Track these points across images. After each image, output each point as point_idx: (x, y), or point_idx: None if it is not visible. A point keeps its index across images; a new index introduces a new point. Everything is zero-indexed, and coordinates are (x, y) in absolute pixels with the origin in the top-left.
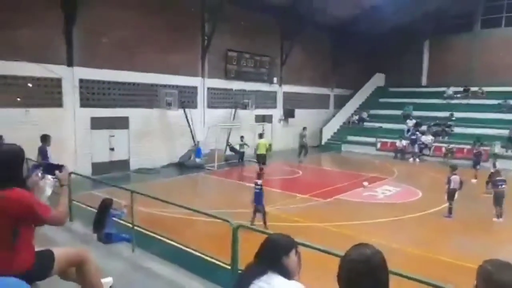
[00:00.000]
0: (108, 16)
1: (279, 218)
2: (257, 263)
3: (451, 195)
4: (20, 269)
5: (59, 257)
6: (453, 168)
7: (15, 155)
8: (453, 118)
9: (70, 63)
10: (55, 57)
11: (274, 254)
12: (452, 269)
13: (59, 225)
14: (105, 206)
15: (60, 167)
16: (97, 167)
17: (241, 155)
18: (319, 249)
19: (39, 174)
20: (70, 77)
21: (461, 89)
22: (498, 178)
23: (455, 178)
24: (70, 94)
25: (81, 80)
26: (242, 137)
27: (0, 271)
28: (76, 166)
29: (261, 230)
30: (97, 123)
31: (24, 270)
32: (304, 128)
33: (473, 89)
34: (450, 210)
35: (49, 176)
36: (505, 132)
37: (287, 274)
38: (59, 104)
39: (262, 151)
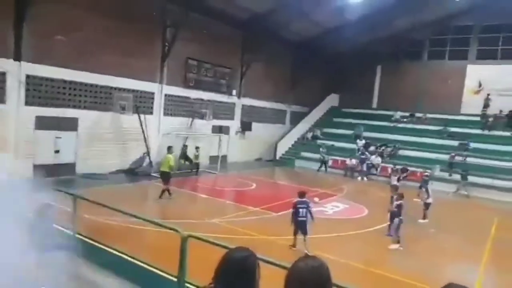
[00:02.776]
0: (65, 14)
1: (229, 231)
2: (220, 284)
3: (392, 216)
4: None
5: None
6: (395, 189)
7: None
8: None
9: (17, 58)
10: (1, 50)
11: (244, 276)
12: (394, 285)
13: None
14: (44, 212)
15: None
16: (40, 170)
17: (196, 165)
18: (269, 262)
19: None
20: (17, 72)
21: (407, 114)
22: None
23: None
24: (15, 90)
25: (28, 76)
26: (197, 147)
27: None
28: (15, 168)
29: (212, 241)
30: (42, 123)
31: None
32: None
33: (418, 114)
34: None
35: None
36: (445, 157)
37: None
38: (1, 100)
39: (165, 168)
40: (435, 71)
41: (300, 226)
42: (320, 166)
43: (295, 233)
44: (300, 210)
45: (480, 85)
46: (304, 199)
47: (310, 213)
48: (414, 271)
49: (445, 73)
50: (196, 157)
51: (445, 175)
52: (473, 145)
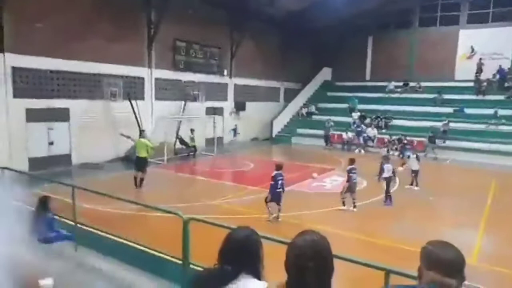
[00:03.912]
0: (45, 2)
1: (229, 211)
2: (226, 265)
3: (387, 183)
4: None
5: None
6: (385, 158)
7: None
8: (385, 116)
9: (0, 49)
10: None
11: (248, 255)
12: (395, 253)
13: None
14: (41, 205)
15: None
16: (35, 163)
17: (193, 148)
18: (269, 238)
19: None
20: (1, 64)
21: (401, 84)
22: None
23: (388, 167)
24: (2, 83)
25: (14, 68)
26: (192, 130)
27: None
28: (11, 162)
29: (214, 223)
30: (33, 115)
31: None
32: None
33: (411, 84)
34: (388, 198)
35: None
36: (439, 124)
37: (260, 275)
38: None
39: (142, 153)
40: (427, 38)
41: (277, 197)
42: (327, 142)
43: (276, 202)
44: (279, 182)
45: (472, 50)
46: (280, 172)
47: (283, 185)
48: (414, 238)
49: (437, 39)
50: (192, 140)
51: (440, 142)
52: (467, 110)
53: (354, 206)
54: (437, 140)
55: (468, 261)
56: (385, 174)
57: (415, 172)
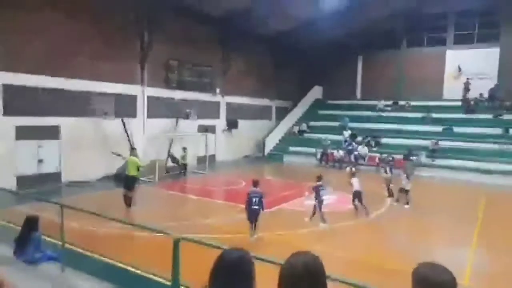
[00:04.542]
0: (36, 18)
1: (220, 230)
2: (218, 286)
3: (356, 196)
4: None
5: None
6: (352, 174)
7: None
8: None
9: None
10: None
11: (241, 276)
12: (385, 272)
13: None
14: (29, 224)
15: None
16: (23, 181)
17: (183, 166)
18: (261, 259)
19: None
20: None
21: (390, 102)
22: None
23: (355, 180)
24: None
25: (4, 86)
26: (184, 148)
27: None
28: None
29: (205, 242)
30: (23, 133)
31: None
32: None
33: (401, 102)
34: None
35: None
36: (427, 143)
37: None
38: None
39: (132, 172)
40: (415, 58)
41: (252, 215)
42: (322, 158)
43: (250, 221)
44: (253, 199)
45: (459, 69)
46: (257, 189)
47: (262, 203)
48: (405, 256)
49: (425, 59)
50: (184, 158)
51: (432, 161)
52: (456, 129)
53: (324, 222)
54: (414, 158)
55: (460, 281)
56: (355, 188)
57: (406, 192)
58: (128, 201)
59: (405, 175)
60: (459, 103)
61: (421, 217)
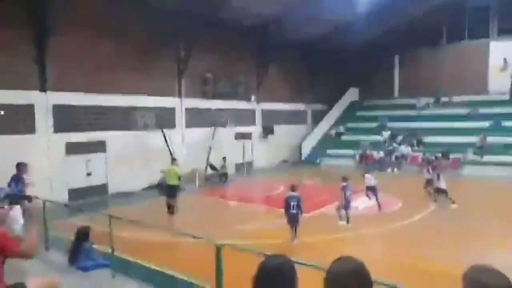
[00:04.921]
0: (81, 42)
1: (261, 236)
2: None
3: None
4: None
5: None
6: (345, 179)
7: None
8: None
9: (43, 88)
10: (27, 83)
11: (284, 283)
12: (434, 277)
13: (28, 257)
14: (81, 235)
15: (28, 198)
16: (74, 193)
17: (224, 175)
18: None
19: (5, 206)
20: (44, 102)
21: (431, 100)
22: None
23: (368, 176)
24: (43, 119)
25: (54, 105)
26: (224, 158)
27: None
28: (52, 194)
29: (248, 249)
30: (72, 148)
31: None
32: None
33: (443, 99)
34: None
35: (18, 207)
36: (473, 139)
37: None
38: (32, 130)
39: (173, 181)
40: (456, 53)
41: (291, 219)
42: (361, 160)
43: (290, 226)
44: (291, 204)
45: (505, 62)
46: (294, 193)
47: (300, 207)
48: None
49: (466, 53)
50: (223, 167)
51: (477, 158)
52: (504, 123)
53: (348, 222)
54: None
55: None
56: (367, 183)
57: (442, 191)
58: (171, 209)
59: (436, 174)
60: (507, 97)
61: (470, 218)
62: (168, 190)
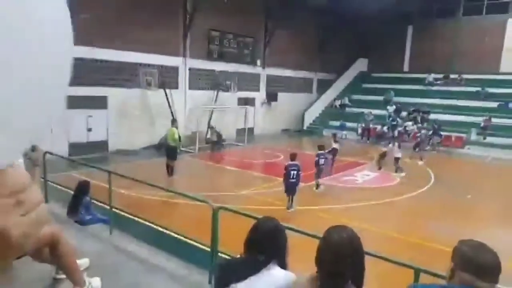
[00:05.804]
0: None
1: (259, 202)
2: (253, 254)
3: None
4: None
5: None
6: (320, 147)
7: None
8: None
9: None
10: None
11: (276, 245)
12: (425, 251)
13: None
14: (81, 188)
15: (33, 147)
16: (74, 148)
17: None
18: (300, 232)
19: None
20: None
21: (441, 76)
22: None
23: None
24: None
25: None
26: (212, 127)
27: None
28: (52, 146)
29: (243, 212)
30: (73, 102)
31: None
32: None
33: (452, 76)
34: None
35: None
36: (479, 119)
37: (286, 265)
38: None
39: (172, 142)
40: (471, 28)
41: (290, 188)
42: (363, 134)
43: (287, 194)
44: (291, 172)
45: None
46: (295, 162)
47: (299, 176)
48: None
49: (482, 29)
50: (212, 134)
51: (480, 138)
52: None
53: (317, 188)
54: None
55: (505, 264)
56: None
57: (397, 159)
58: (170, 170)
59: (396, 144)
60: None
61: (468, 197)
62: (167, 151)
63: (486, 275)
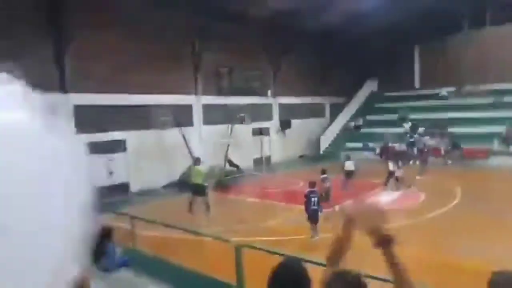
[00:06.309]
0: (98, 44)
1: (282, 233)
2: None
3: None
4: None
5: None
6: (323, 171)
7: None
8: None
9: (64, 89)
10: (47, 84)
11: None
12: (459, 272)
13: None
14: (105, 234)
15: None
16: (96, 192)
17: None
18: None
19: None
20: (65, 103)
21: (454, 89)
22: None
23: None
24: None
25: (75, 106)
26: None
27: None
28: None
29: (265, 249)
30: (94, 148)
31: None
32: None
33: (466, 88)
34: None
35: None
36: (498, 129)
37: None
38: None
39: (198, 180)
40: (478, 40)
41: (312, 215)
42: (382, 153)
43: (310, 222)
44: (312, 199)
45: None
46: (314, 189)
47: (319, 203)
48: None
49: (492, 40)
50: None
51: (505, 147)
52: None
53: (312, 236)
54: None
55: None
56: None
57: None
58: (205, 207)
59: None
60: None
61: (495, 211)
62: (195, 188)
63: None
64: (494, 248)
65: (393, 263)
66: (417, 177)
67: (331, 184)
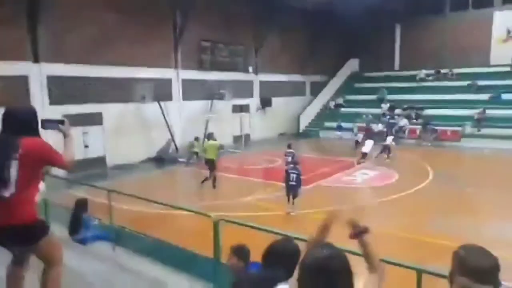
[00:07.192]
0: (75, 13)
1: (260, 208)
2: (271, 269)
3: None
4: (24, 218)
5: (51, 238)
6: (289, 146)
7: (33, 112)
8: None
9: (36, 59)
10: (20, 54)
11: (291, 263)
12: (429, 249)
13: (67, 169)
14: (79, 207)
15: (61, 121)
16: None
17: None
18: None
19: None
20: (37, 74)
21: (432, 71)
22: None
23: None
24: (38, 92)
25: (49, 77)
26: (196, 138)
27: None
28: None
29: (243, 223)
30: (69, 121)
31: (27, 220)
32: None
33: (443, 71)
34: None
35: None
36: (473, 112)
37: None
38: (27, 102)
39: (211, 155)
40: (459, 22)
41: (290, 190)
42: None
43: (288, 197)
44: (291, 175)
45: (509, 32)
46: (296, 166)
47: (299, 180)
48: (449, 232)
49: (470, 23)
50: (192, 146)
51: (475, 131)
52: (505, 96)
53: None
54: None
55: (510, 257)
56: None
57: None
58: (212, 182)
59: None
60: (508, 69)
61: (468, 190)
62: (207, 163)
63: (486, 279)
64: (460, 225)
65: (366, 250)
66: (387, 161)
67: (298, 159)
